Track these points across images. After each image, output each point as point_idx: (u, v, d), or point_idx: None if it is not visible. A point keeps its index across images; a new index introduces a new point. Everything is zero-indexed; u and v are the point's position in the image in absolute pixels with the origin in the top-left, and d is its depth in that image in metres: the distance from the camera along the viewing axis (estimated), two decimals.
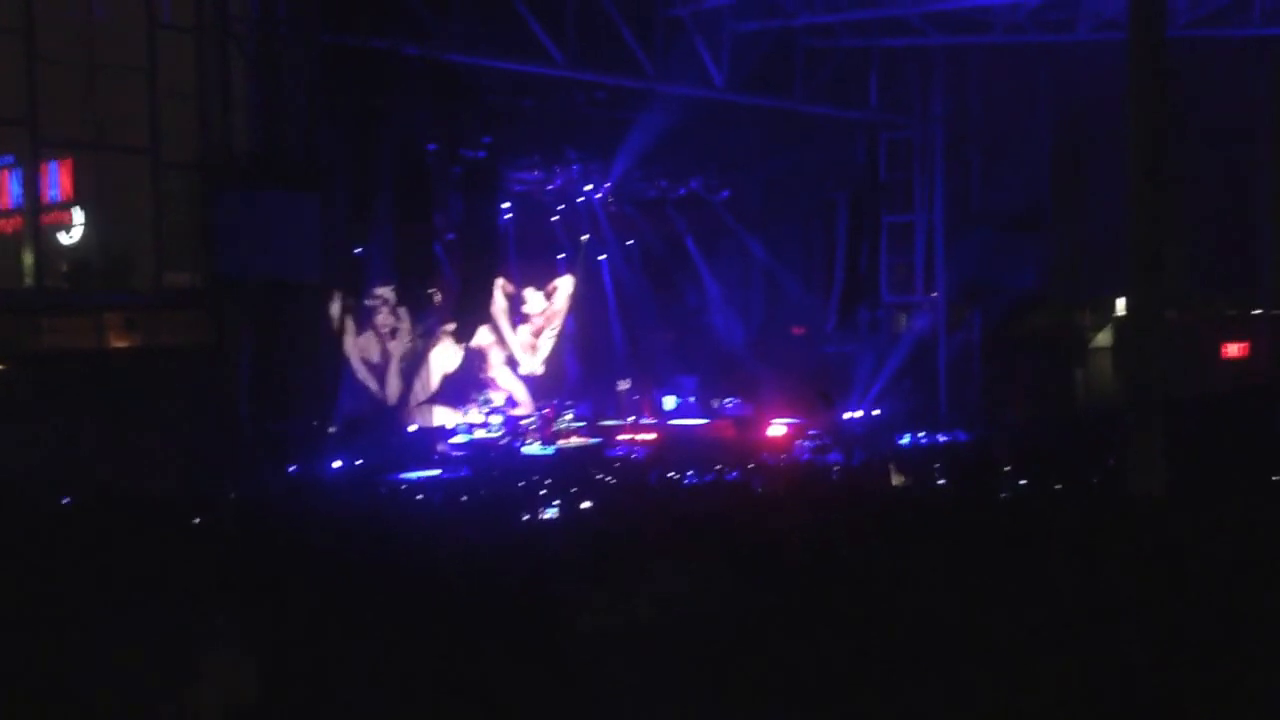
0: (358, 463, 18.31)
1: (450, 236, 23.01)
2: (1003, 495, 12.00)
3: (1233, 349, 25.99)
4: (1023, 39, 21.69)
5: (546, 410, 24.26)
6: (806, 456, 19.78)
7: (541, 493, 15.00)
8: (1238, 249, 26.04)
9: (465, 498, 14.03)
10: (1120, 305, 25.45)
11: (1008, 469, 15.56)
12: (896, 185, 26.00)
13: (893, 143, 25.89)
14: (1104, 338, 26.66)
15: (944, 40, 22.53)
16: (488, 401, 24.36)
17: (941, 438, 21.02)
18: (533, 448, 22.47)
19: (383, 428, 21.98)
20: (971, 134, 25.25)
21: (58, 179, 15.74)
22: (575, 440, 23.38)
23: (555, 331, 26.47)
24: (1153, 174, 11.92)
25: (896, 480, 14.74)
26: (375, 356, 22.86)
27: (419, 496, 15.35)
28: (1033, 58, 23.85)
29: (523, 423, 23.65)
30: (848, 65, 23.60)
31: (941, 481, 15.00)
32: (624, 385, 25.94)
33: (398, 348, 23.17)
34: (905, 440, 21.26)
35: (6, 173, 15.73)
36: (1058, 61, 24.28)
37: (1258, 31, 20.02)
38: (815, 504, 10.91)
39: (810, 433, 22.22)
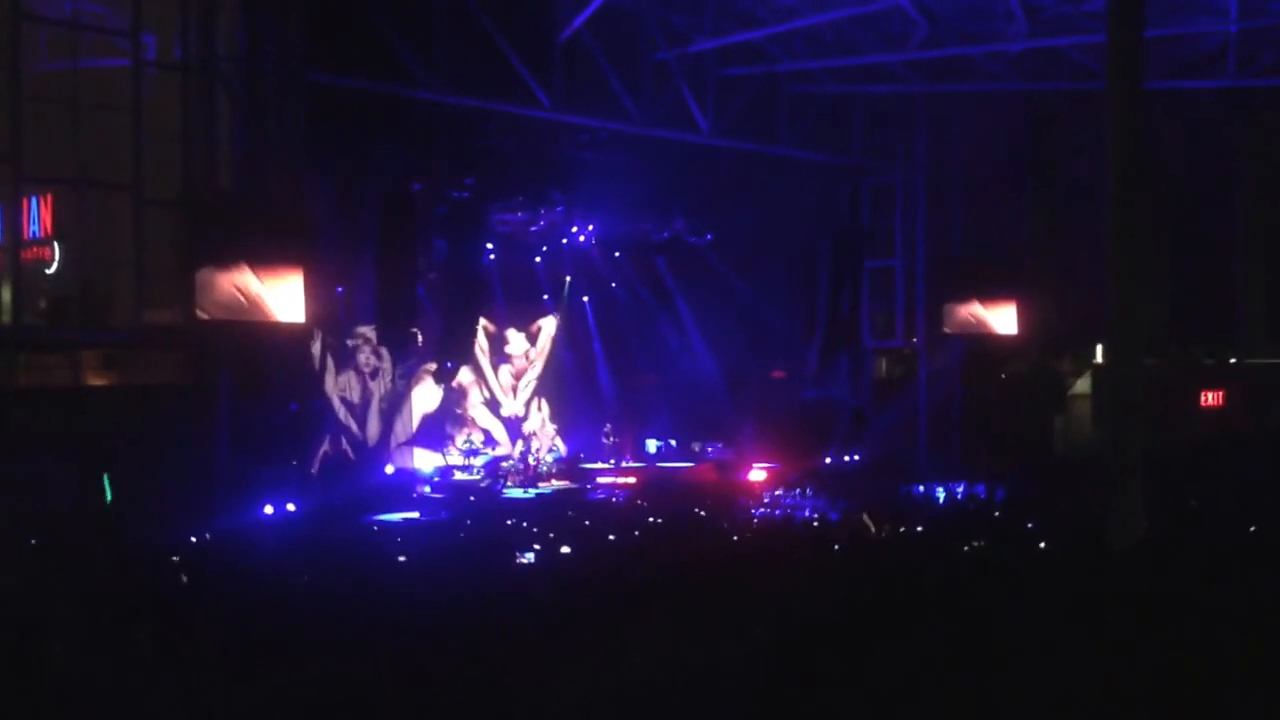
0: (336, 504, 18.19)
1: (433, 276, 23.02)
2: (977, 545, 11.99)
3: (1210, 397, 26.15)
4: (1004, 87, 21.92)
5: (522, 451, 24.24)
6: (788, 502, 19.71)
7: (522, 534, 14.95)
8: (1214, 298, 26.25)
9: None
10: (1099, 352, 25.60)
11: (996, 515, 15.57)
12: (879, 230, 26.16)
13: (875, 188, 26.08)
14: (1083, 384, 26.77)
15: (926, 87, 22.76)
16: (469, 443, 24.28)
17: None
18: (513, 491, 22.37)
19: (362, 469, 21.88)
20: (953, 180, 25.45)
21: (38, 215, 15.67)
22: (556, 483, 23.30)
23: (538, 373, 26.44)
24: (1130, 221, 12.01)
25: (873, 529, 14.72)
26: (356, 396, 22.79)
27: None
28: (1014, 105, 24.09)
29: (503, 465, 23.56)
30: (831, 111, 23.81)
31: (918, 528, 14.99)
32: (607, 429, 25.90)
33: (379, 388, 23.10)
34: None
35: None
36: (1039, 109, 24.54)
37: (1233, 83, 20.28)
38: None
39: (791, 479, 22.17)
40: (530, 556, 12.97)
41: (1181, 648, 5.22)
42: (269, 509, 16.59)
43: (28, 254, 15.45)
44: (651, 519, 17.06)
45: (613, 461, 25.09)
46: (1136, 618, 5.69)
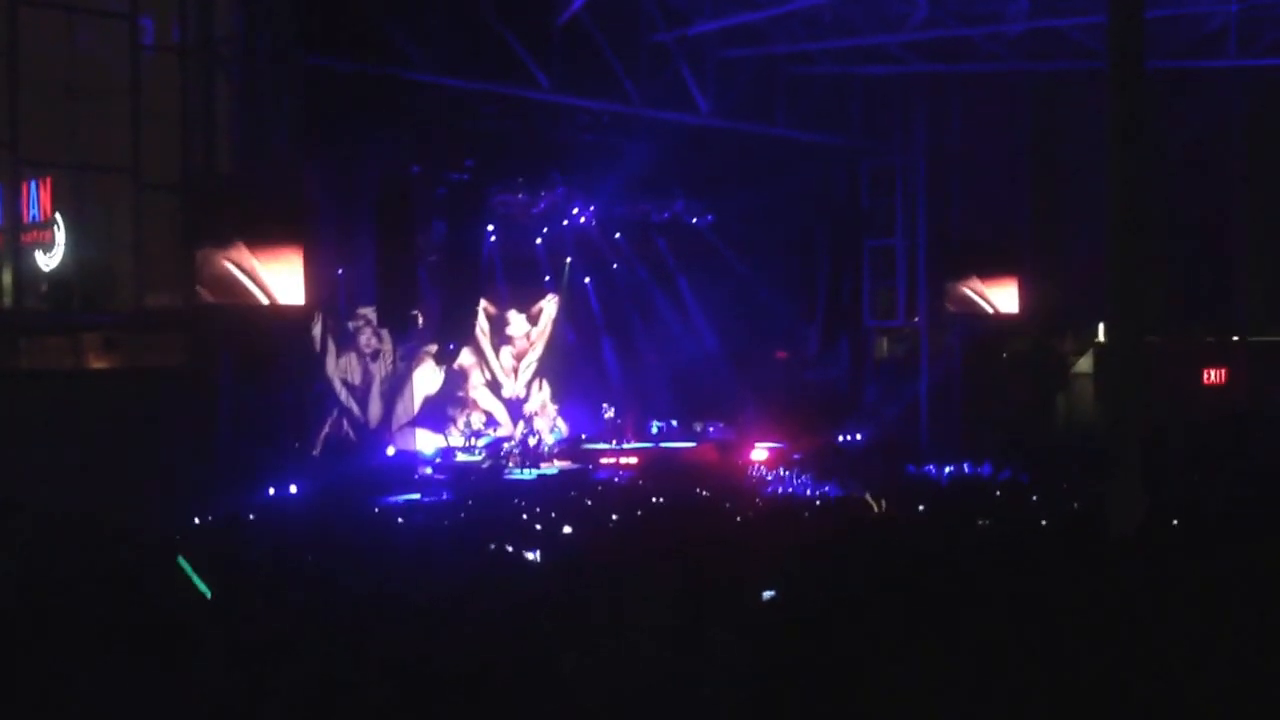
0: (338, 486, 18.20)
1: (433, 258, 23.02)
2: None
3: (1211, 375, 26.14)
4: (1004, 67, 21.85)
5: (524, 432, 24.29)
6: (790, 481, 19.76)
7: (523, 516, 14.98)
8: (1216, 276, 26.22)
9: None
10: (1101, 331, 25.59)
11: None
12: (878, 211, 26.12)
13: (875, 169, 26.03)
14: (1085, 363, 26.76)
15: (925, 68, 22.67)
16: (468, 424, 24.31)
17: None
18: (517, 472, 22.41)
19: (364, 451, 21.92)
20: (953, 160, 25.38)
21: (37, 198, 15.66)
22: (558, 464, 23.34)
23: (539, 354, 26.45)
24: (1130, 200, 12.00)
25: (875, 508, 14.77)
26: (357, 378, 22.81)
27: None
28: (1014, 85, 24.01)
29: (505, 446, 23.59)
30: (830, 92, 23.73)
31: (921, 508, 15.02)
32: (607, 408, 25.92)
33: (380, 369, 23.12)
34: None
35: None
36: (1039, 89, 24.46)
37: (1234, 63, 20.23)
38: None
39: (793, 459, 22.22)
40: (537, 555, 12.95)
41: (1172, 635, 5.25)
42: (271, 491, 16.64)
43: (27, 237, 15.46)
44: (654, 499, 17.10)
45: (615, 442, 25.13)
46: (1130, 601, 5.72)
